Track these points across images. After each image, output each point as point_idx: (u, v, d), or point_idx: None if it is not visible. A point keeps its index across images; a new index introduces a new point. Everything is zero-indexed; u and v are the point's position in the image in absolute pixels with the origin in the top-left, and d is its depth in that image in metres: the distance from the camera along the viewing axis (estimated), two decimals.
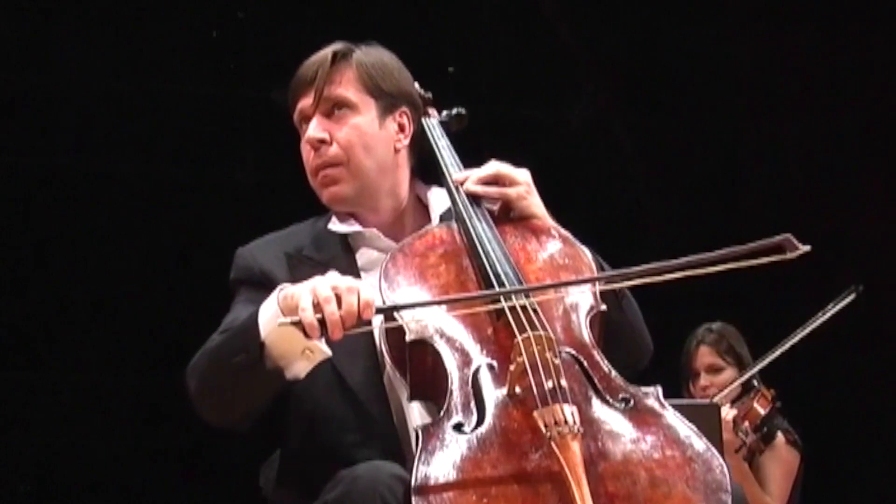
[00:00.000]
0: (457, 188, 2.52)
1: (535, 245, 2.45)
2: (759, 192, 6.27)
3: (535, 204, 2.52)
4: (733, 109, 6.22)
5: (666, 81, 6.22)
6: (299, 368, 2.20)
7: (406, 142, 2.57)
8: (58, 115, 5.94)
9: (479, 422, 2.13)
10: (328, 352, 2.19)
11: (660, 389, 2.22)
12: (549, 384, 2.11)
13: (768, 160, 6.17)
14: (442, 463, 2.05)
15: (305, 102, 2.52)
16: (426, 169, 2.64)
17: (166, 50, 5.97)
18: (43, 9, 5.83)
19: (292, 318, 2.13)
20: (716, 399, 4.29)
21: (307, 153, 2.52)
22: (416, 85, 2.65)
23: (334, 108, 2.50)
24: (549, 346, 2.15)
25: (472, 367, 2.22)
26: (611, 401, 2.18)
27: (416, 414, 2.33)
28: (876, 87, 5.57)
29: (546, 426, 2.05)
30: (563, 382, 2.12)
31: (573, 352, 2.26)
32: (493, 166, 2.53)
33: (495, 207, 2.52)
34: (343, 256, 2.49)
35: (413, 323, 2.26)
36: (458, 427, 2.12)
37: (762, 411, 4.40)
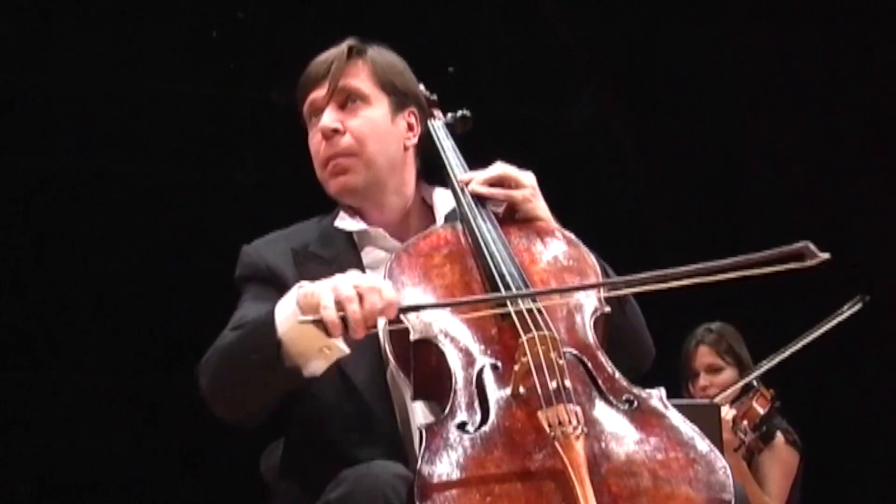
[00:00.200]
0: (462, 189, 2.52)
1: (540, 247, 2.45)
2: (758, 193, 6.28)
3: (540, 207, 2.52)
4: (733, 109, 6.22)
5: (666, 81, 6.22)
6: (317, 366, 2.20)
7: (414, 141, 2.58)
8: (58, 115, 5.94)
9: (483, 421, 2.13)
10: (346, 349, 2.19)
11: (663, 391, 2.23)
12: (553, 384, 2.11)
13: (768, 160, 6.17)
14: (445, 462, 2.05)
15: (318, 94, 2.52)
16: (430, 171, 2.64)
17: (166, 50, 5.97)
18: (43, 9, 5.83)
19: (314, 316, 2.13)
20: (716, 400, 4.30)
21: (317, 143, 2.51)
22: (422, 86, 2.67)
23: (348, 100, 2.51)
24: (554, 347, 2.15)
25: (477, 367, 2.22)
26: (614, 402, 2.18)
27: (420, 413, 2.34)
28: (876, 87, 5.57)
29: (550, 426, 2.06)
30: (567, 383, 2.13)
31: (577, 353, 2.26)
32: (500, 168, 2.54)
33: (500, 209, 2.52)
34: (349, 254, 2.49)
35: (418, 322, 2.26)
36: (462, 426, 2.12)
37: (761, 411, 4.40)
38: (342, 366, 2.31)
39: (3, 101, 5.82)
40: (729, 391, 4.43)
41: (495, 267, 2.33)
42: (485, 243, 2.39)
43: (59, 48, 5.87)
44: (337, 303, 2.12)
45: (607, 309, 2.36)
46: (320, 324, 2.13)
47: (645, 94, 6.28)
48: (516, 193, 2.51)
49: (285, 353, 2.19)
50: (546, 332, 2.17)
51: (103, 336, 6.15)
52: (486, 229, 2.42)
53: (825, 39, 5.66)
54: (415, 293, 2.33)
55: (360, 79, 2.51)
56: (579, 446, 2.02)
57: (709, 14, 6.10)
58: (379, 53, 2.55)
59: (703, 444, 2.10)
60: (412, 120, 2.58)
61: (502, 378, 2.19)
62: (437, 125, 2.67)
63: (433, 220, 2.56)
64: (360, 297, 2.13)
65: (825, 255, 2.15)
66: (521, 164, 2.59)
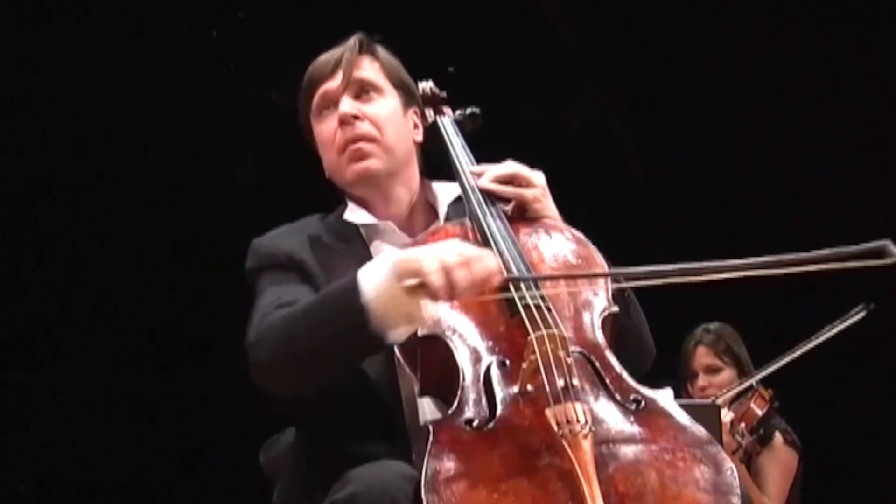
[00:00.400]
0: (472, 186, 2.53)
1: (549, 245, 2.45)
2: (758, 193, 6.28)
3: (549, 207, 2.53)
4: (733, 109, 6.22)
5: (666, 81, 6.22)
6: (399, 333, 2.20)
7: (419, 139, 2.60)
8: (58, 115, 5.94)
9: (491, 418, 2.13)
10: (431, 317, 2.21)
11: (671, 392, 2.24)
12: (561, 382, 2.12)
13: (768, 160, 6.17)
14: (452, 458, 2.05)
15: (331, 85, 2.52)
16: (431, 170, 2.64)
17: (166, 50, 5.97)
18: (43, 9, 5.83)
19: (418, 280, 2.14)
20: (717, 401, 4.30)
21: (332, 130, 2.51)
22: (431, 84, 2.69)
23: (362, 91, 2.52)
24: (563, 345, 2.16)
25: (484, 364, 2.22)
26: (622, 401, 2.18)
27: (426, 408, 2.34)
28: (877, 87, 5.57)
29: (558, 424, 2.06)
30: (576, 381, 2.13)
31: (585, 351, 2.26)
32: (511, 166, 2.55)
33: (508, 208, 2.52)
34: (358, 246, 2.50)
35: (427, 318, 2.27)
36: (469, 423, 2.13)
37: (759, 412, 4.40)
38: None
39: (3, 101, 5.82)
40: (728, 394, 4.43)
41: (504, 263, 2.32)
42: (493, 239, 2.39)
43: (59, 48, 5.87)
44: (443, 269, 2.14)
45: (615, 308, 2.36)
46: (422, 288, 2.14)
47: (645, 94, 6.28)
48: (527, 192, 2.52)
49: (372, 318, 2.18)
50: (555, 331, 2.17)
51: (103, 336, 6.16)
52: (496, 226, 2.42)
53: (825, 39, 5.66)
54: None
55: (370, 71, 2.54)
56: (587, 445, 2.02)
57: (709, 14, 6.10)
58: (383, 52, 2.59)
59: (710, 446, 2.10)
60: (416, 119, 2.60)
61: (510, 375, 2.19)
62: (447, 122, 2.69)
63: (435, 217, 2.57)
64: (467, 265, 2.14)
65: None
66: (522, 164, 2.59)
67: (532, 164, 2.59)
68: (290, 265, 2.45)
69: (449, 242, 2.24)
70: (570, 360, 2.15)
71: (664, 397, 2.22)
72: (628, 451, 2.08)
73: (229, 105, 6.12)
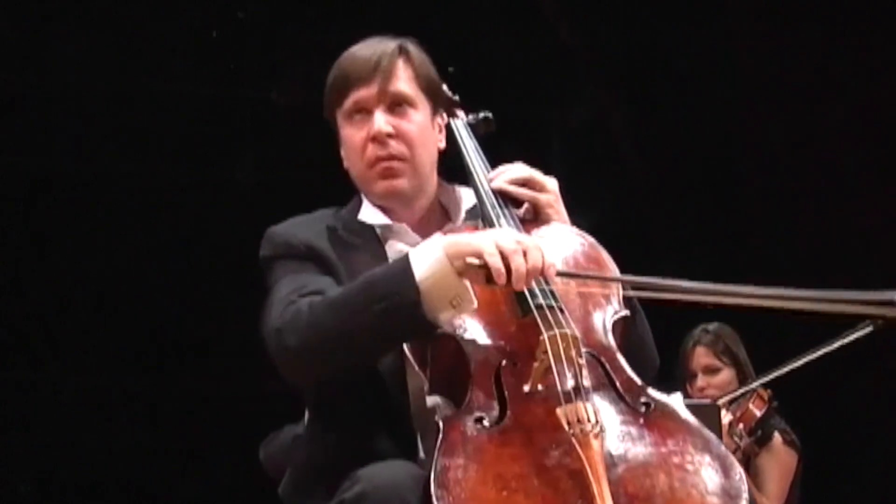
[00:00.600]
0: (485, 188, 2.55)
1: (562, 249, 2.47)
2: (758, 192, 6.28)
3: (561, 213, 2.55)
4: (733, 109, 6.22)
5: (666, 81, 6.22)
6: (444, 318, 2.23)
7: (443, 143, 2.61)
8: (58, 116, 5.94)
9: (501, 416, 2.15)
10: (474, 304, 2.23)
11: (680, 396, 2.25)
12: (572, 382, 2.14)
13: (768, 160, 6.17)
14: (462, 455, 2.07)
15: (366, 94, 2.50)
16: (448, 171, 2.65)
17: (166, 50, 5.97)
18: (43, 9, 5.83)
19: (479, 261, 2.17)
20: (718, 402, 4.29)
21: (362, 141, 2.51)
22: (445, 87, 2.69)
23: (396, 103, 2.51)
24: (575, 345, 2.18)
25: (496, 363, 2.24)
26: (632, 404, 2.20)
27: (436, 408, 2.35)
28: (877, 85, 5.57)
29: (569, 424, 2.08)
30: (587, 382, 2.16)
31: (596, 353, 2.28)
32: (526, 169, 2.57)
33: (521, 211, 2.54)
34: (374, 245, 2.51)
35: None
36: (480, 420, 2.14)
37: (758, 413, 4.39)
38: None
39: (3, 101, 5.82)
40: (728, 396, 4.42)
41: None
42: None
43: (59, 48, 5.87)
44: (501, 251, 2.17)
45: (626, 312, 2.38)
46: (480, 269, 2.17)
47: (645, 94, 6.28)
48: (541, 196, 2.54)
49: (424, 298, 2.21)
50: (567, 330, 2.19)
51: (103, 336, 6.15)
52: (510, 228, 2.44)
53: (825, 39, 5.66)
54: None
55: (407, 82, 2.52)
56: (597, 444, 2.04)
57: (709, 14, 6.10)
58: (417, 53, 2.57)
59: (719, 450, 2.12)
60: (440, 121, 2.61)
61: (521, 374, 2.21)
62: (460, 125, 2.70)
63: (448, 219, 2.58)
64: (524, 253, 2.18)
65: None
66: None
67: (532, 164, 2.60)
68: (307, 255, 2.47)
69: (506, 230, 2.30)
70: (581, 361, 2.17)
71: (674, 401, 2.23)
72: (638, 452, 2.10)
73: (229, 105, 6.12)
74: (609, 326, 2.34)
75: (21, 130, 5.92)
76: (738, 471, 2.08)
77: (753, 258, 6.05)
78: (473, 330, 2.28)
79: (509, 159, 2.63)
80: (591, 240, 2.51)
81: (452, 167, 2.64)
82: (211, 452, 6.04)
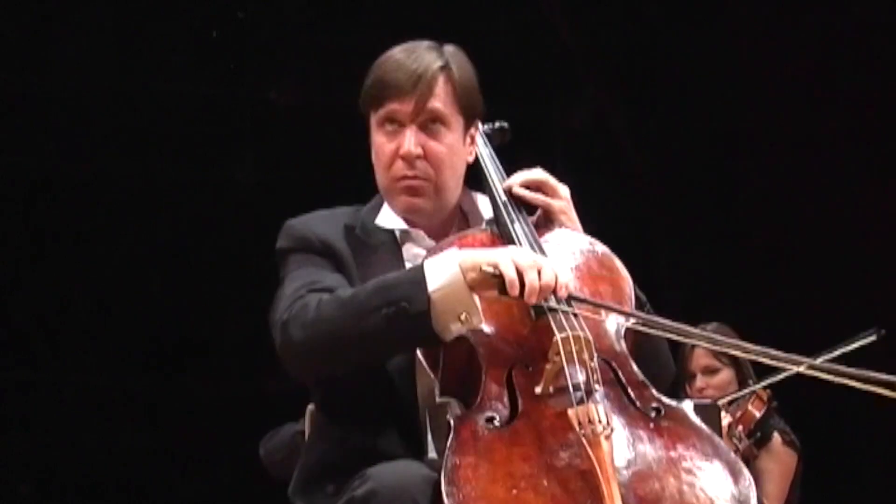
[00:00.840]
0: (500, 196, 2.56)
1: (575, 255, 2.49)
2: (758, 192, 6.27)
3: (574, 220, 2.57)
4: (733, 109, 6.22)
5: (666, 81, 6.22)
6: (451, 332, 2.25)
7: (473, 156, 2.61)
8: (58, 116, 5.94)
9: (512, 417, 2.17)
10: (481, 321, 2.25)
11: (690, 403, 2.27)
12: (584, 384, 2.16)
13: (768, 160, 6.17)
14: (473, 454, 2.08)
15: (401, 107, 2.49)
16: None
17: (166, 50, 5.97)
18: (43, 9, 5.83)
19: (494, 270, 2.20)
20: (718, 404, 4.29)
21: (390, 153, 2.51)
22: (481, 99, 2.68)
23: (430, 122, 2.50)
24: (587, 348, 2.20)
25: (508, 365, 2.26)
26: (642, 409, 2.22)
27: (447, 406, 2.35)
28: (878, 86, 5.57)
29: (580, 424, 2.09)
30: (598, 384, 2.18)
31: (607, 359, 2.30)
32: (541, 174, 2.58)
33: (534, 218, 2.56)
34: (391, 247, 2.53)
35: None
36: (491, 420, 2.16)
37: (757, 414, 4.39)
38: None
39: (3, 101, 5.82)
40: (728, 397, 4.42)
41: None
42: (520, 245, 2.41)
43: (59, 48, 5.87)
44: (516, 266, 2.20)
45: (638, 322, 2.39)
46: (493, 280, 2.20)
47: (645, 94, 6.28)
48: (555, 202, 2.56)
49: (433, 310, 2.23)
50: (580, 333, 2.21)
51: (103, 336, 6.15)
52: (523, 233, 2.46)
53: (825, 39, 5.66)
54: None
55: (443, 100, 2.50)
56: (607, 445, 2.06)
57: (709, 14, 6.10)
58: (459, 68, 2.54)
59: (728, 456, 2.15)
60: (473, 131, 2.60)
61: (533, 376, 2.23)
62: (476, 134, 2.69)
63: (467, 224, 2.60)
64: (538, 268, 2.21)
65: None
66: (522, 165, 2.60)
67: (532, 165, 2.61)
68: (323, 251, 2.48)
69: (523, 248, 2.33)
70: (593, 364, 2.19)
71: (684, 407, 2.25)
72: (647, 456, 2.12)
73: (229, 105, 6.12)
74: (621, 333, 2.36)
75: (21, 130, 5.92)
76: (747, 476, 2.11)
77: (753, 258, 6.05)
78: (486, 332, 2.30)
79: (509, 159, 2.63)
80: (605, 248, 2.52)
81: (467, 172, 2.64)
82: (211, 452, 6.04)
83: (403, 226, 2.55)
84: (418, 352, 2.34)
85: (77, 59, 5.86)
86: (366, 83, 2.54)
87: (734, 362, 4.61)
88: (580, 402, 2.13)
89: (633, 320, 2.35)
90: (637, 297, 2.49)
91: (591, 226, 2.61)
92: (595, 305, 2.33)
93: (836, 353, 4.00)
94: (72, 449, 6.17)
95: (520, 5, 6.18)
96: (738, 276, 6.01)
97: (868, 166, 5.64)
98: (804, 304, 5.61)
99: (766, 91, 6.04)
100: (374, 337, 2.26)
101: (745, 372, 4.60)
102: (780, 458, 4.50)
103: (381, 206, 2.59)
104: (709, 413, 3.73)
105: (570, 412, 2.12)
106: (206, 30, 6.07)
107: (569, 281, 2.28)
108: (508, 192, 2.55)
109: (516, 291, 2.19)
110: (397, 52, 2.52)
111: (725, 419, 4.29)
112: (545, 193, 2.56)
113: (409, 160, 2.48)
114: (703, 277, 5.96)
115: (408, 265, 2.45)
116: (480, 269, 2.21)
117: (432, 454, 2.35)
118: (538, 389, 2.20)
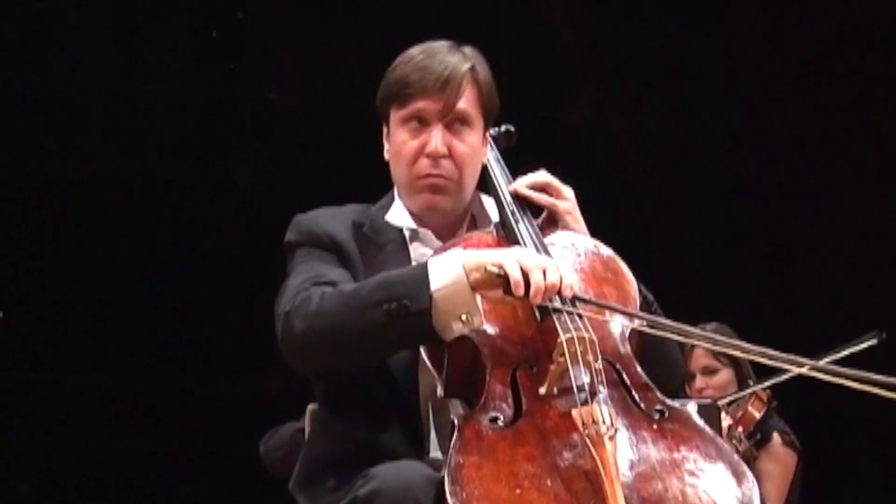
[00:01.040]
0: (505, 196, 2.57)
1: (580, 257, 2.50)
2: (759, 193, 6.27)
3: (579, 221, 2.58)
4: (733, 109, 6.22)
5: (666, 81, 6.22)
6: (451, 331, 2.26)
7: (486, 158, 2.63)
8: (58, 116, 5.93)
9: (516, 417, 2.18)
10: (482, 322, 2.26)
11: (694, 405, 2.28)
12: (588, 385, 2.17)
13: (768, 159, 6.17)
14: (477, 453, 2.09)
15: (429, 106, 2.51)
16: None
17: (166, 50, 5.97)
18: (43, 9, 5.82)
19: (499, 270, 2.20)
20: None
21: (414, 150, 2.52)
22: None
23: (455, 121, 2.52)
24: (592, 349, 2.21)
25: (512, 365, 2.27)
26: (646, 410, 2.23)
27: (450, 405, 2.36)
28: (879, 86, 5.57)
29: (584, 425, 2.10)
30: (602, 385, 2.18)
31: (611, 360, 2.31)
32: (546, 175, 2.60)
33: (539, 220, 2.57)
34: (399, 246, 2.55)
35: None
36: (495, 420, 2.17)
37: (757, 415, 4.39)
38: None
39: (2, 101, 5.82)
40: (727, 398, 4.41)
41: None
42: (525, 246, 2.42)
43: (59, 48, 5.86)
44: (521, 266, 2.21)
45: (641, 323, 2.39)
46: (497, 280, 2.20)
47: (645, 94, 6.28)
48: (560, 203, 2.58)
49: (434, 309, 2.24)
50: (585, 334, 2.22)
51: (103, 336, 6.15)
52: (528, 235, 2.47)
53: (826, 39, 5.66)
54: None
55: (469, 102, 2.54)
56: (611, 446, 2.07)
57: (709, 13, 6.10)
58: (483, 70, 2.57)
59: (731, 458, 2.16)
60: (487, 134, 2.63)
61: (538, 377, 2.24)
62: (489, 136, 2.70)
63: (475, 226, 2.61)
64: (543, 269, 2.22)
65: None
66: (522, 165, 2.61)
67: (533, 165, 2.62)
68: (330, 247, 2.50)
69: (528, 250, 2.34)
70: (597, 365, 2.20)
71: (688, 409, 2.27)
72: (651, 457, 2.12)
73: (229, 105, 6.12)
74: (626, 335, 2.37)
75: (21, 130, 5.92)
76: (751, 478, 2.12)
77: (753, 258, 6.04)
78: (491, 332, 2.31)
79: (509, 159, 2.64)
80: (610, 251, 2.53)
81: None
82: (211, 451, 6.03)
83: (413, 225, 2.56)
84: (422, 351, 2.35)
85: (77, 59, 5.86)
86: (388, 80, 2.55)
87: (733, 362, 4.61)
88: (584, 402, 2.14)
89: (637, 322, 2.35)
90: (644, 297, 2.50)
91: (591, 226, 2.61)
92: (599, 306, 2.34)
93: (838, 355, 4.00)
94: (72, 449, 6.16)
95: (520, 5, 6.18)
96: (738, 276, 6.01)
97: (868, 166, 5.64)
98: (804, 304, 5.61)
99: (766, 91, 6.04)
100: (374, 332, 2.26)
101: (745, 372, 4.60)
102: (780, 458, 4.50)
103: (391, 203, 2.60)
104: (709, 413, 3.75)
105: (574, 413, 2.13)
106: (206, 30, 6.07)
107: (573, 281, 2.28)
108: (514, 194, 2.57)
109: (521, 291, 2.20)
110: (421, 52, 2.54)
111: (725, 421, 4.28)
112: (550, 195, 2.58)
113: (435, 158, 2.50)
114: (703, 277, 5.97)
115: (414, 265, 2.45)
116: (485, 269, 2.21)
117: (434, 453, 2.37)
118: (542, 390, 2.21)
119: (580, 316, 2.27)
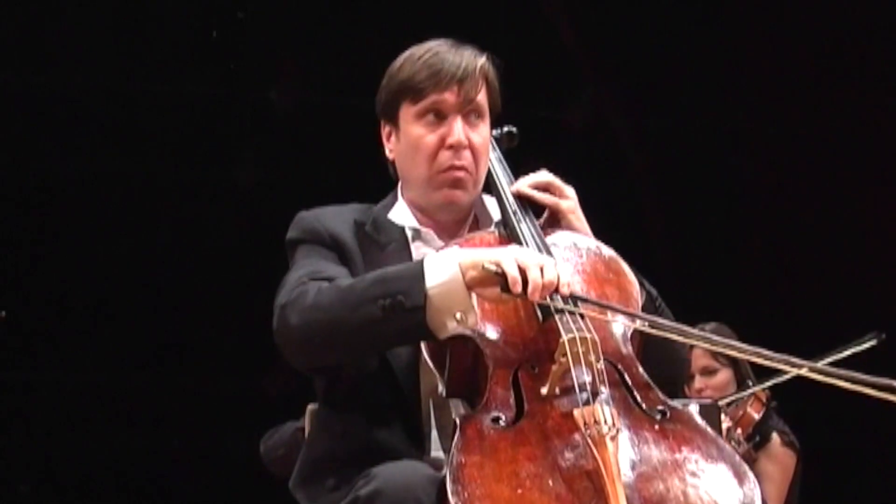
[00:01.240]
0: (507, 196, 2.57)
1: (582, 257, 2.50)
2: (759, 193, 6.28)
3: (581, 220, 2.58)
4: (733, 109, 6.22)
5: (666, 81, 6.22)
6: (446, 329, 2.26)
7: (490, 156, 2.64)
8: (58, 115, 5.94)
9: (518, 417, 2.18)
10: (477, 321, 2.26)
11: (696, 406, 2.31)
12: (590, 385, 2.17)
13: (768, 159, 6.17)
14: (478, 453, 2.09)
15: (448, 98, 2.51)
16: None
17: (166, 50, 5.97)
18: (43, 9, 5.83)
19: (496, 269, 2.20)
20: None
21: (433, 145, 2.52)
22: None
23: (472, 114, 2.54)
24: (594, 349, 2.21)
25: (514, 365, 2.27)
26: (648, 411, 2.23)
27: (452, 405, 2.37)
28: (878, 86, 5.57)
29: (586, 425, 2.10)
30: (604, 386, 2.19)
31: (613, 360, 2.31)
32: (547, 175, 2.60)
33: (541, 220, 2.57)
34: (401, 245, 2.55)
35: None
36: (496, 420, 2.17)
37: (756, 416, 4.39)
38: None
39: (2, 101, 5.82)
40: (727, 399, 4.41)
41: None
42: (527, 246, 2.42)
43: (59, 48, 5.87)
44: (518, 264, 2.21)
45: (642, 324, 2.39)
46: (495, 277, 2.20)
47: (645, 94, 6.28)
48: (563, 202, 2.58)
49: (429, 306, 2.24)
50: (587, 334, 2.22)
51: (103, 335, 6.15)
52: (530, 235, 2.47)
53: (826, 39, 5.66)
54: None
55: (484, 95, 2.56)
56: (612, 446, 2.07)
57: (709, 13, 6.10)
58: (490, 66, 2.60)
59: (733, 459, 2.16)
60: (491, 134, 2.64)
61: (539, 377, 2.24)
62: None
63: (478, 226, 2.61)
64: (540, 267, 2.22)
65: None
66: (522, 165, 2.61)
67: (533, 165, 2.62)
68: (331, 244, 2.51)
69: (526, 248, 2.34)
70: (599, 365, 2.20)
71: (690, 410, 2.27)
72: (652, 457, 2.13)
73: (229, 105, 6.12)
74: (627, 335, 2.38)
75: (21, 130, 5.92)
76: (752, 479, 2.12)
77: (753, 258, 6.04)
78: (492, 332, 2.31)
79: (509, 159, 2.64)
80: (612, 251, 2.53)
81: None
82: (211, 451, 6.04)
83: (416, 224, 2.56)
84: (423, 350, 2.35)
85: (77, 59, 5.86)
86: (396, 77, 2.55)
87: (732, 363, 4.60)
88: (586, 402, 2.14)
89: (639, 322, 2.35)
90: (648, 292, 2.50)
91: (591, 226, 2.61)
92: (601, 306, 2.34)
93: (838, 356, 4.00)
94: (72, 449, 6.17)
95: (520, 5, 6.18)
96: (738, 276, 6.01)
97: (868, 166, 5.64)
98: (804, 304, 5.61)
99: (766, 91, 6.04)
100: (368, 327, 2.27)
101: (744, 372, 4.60)
102: (780, 458, 4.49)
103: (394, 203, 2.60)
104: (710, 413, 3.74)
105: (576, 413, 2.13)
106: (206, 30, 6.07)
107: (572, 281, 2.29)
108: (516, 194, 2.57)
109: (519, 288, 2.20)
110: (426, 50, 2.55)
111: (724, 423, 4.28)
112: (552, 195, 2.58)
113: (458, 149, 2.50)
114: (703, 277, 5.97)
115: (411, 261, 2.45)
116: (482, 267, 2.21)
117: (435, 452, 2.37)
118: (544, 390, 2.21)
119: (582, 316, 2.27)
